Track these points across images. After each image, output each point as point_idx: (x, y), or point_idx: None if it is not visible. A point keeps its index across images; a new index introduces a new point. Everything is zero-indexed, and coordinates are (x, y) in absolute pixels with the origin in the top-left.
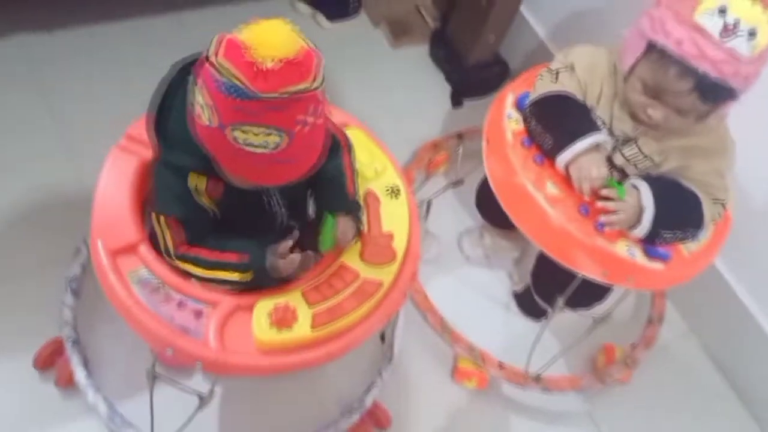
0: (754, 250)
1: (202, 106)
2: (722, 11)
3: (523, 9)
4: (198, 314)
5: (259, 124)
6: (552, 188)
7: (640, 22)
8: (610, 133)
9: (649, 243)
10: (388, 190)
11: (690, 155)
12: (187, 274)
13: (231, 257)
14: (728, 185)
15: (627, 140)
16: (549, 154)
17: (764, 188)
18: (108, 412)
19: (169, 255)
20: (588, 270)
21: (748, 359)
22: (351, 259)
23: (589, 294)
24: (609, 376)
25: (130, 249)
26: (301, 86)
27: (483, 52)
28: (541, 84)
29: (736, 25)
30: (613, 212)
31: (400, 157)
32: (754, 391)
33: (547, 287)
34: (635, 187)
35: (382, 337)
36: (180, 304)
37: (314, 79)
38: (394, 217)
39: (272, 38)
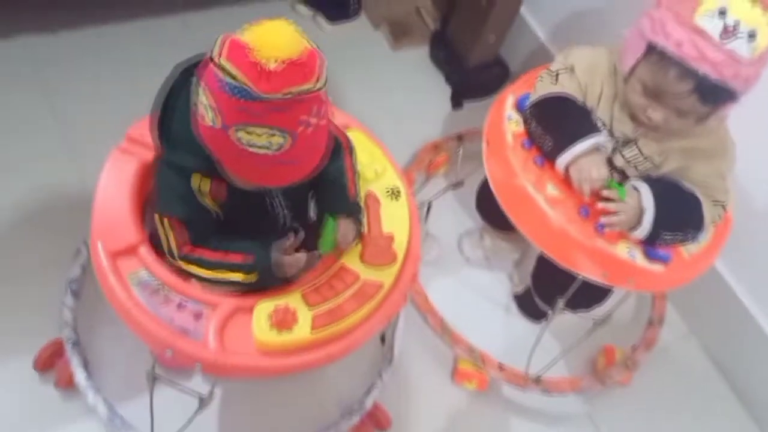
0: (755, 252)
1: (205, 107)
2: (722, 13)
3: (524, 10)
4: (198, 316)
5: (263, 125)
6: (552, 190)
7: (640, 23)
8: (611, 134)
9: (650, 244)
10: (388, 191)
11: (690, 157)
12: (190, 276)
13: (236, 258)
14: (728, 187)
15: (627, 141)
16: (549, 156)
17: (764, 190)
18: (108, 414)
19: (172, 256)
20: (588, 272)
21: (748, 361)
22: (351, 260)
23: (589, 296)
24: (609, 378)
25: (130, 251)
26: (305, 87)
27: (483, 53)
28: (541, 85)
29: (736, 26)
30: (614, 213)
31: (401, 158)
32: (755, 392)
33: (548, 289)
34: (636, 188)
35: (383, 339)
36: (180, 306)
37: (318, 80)
38: (394, 219)
39: (276, 39)
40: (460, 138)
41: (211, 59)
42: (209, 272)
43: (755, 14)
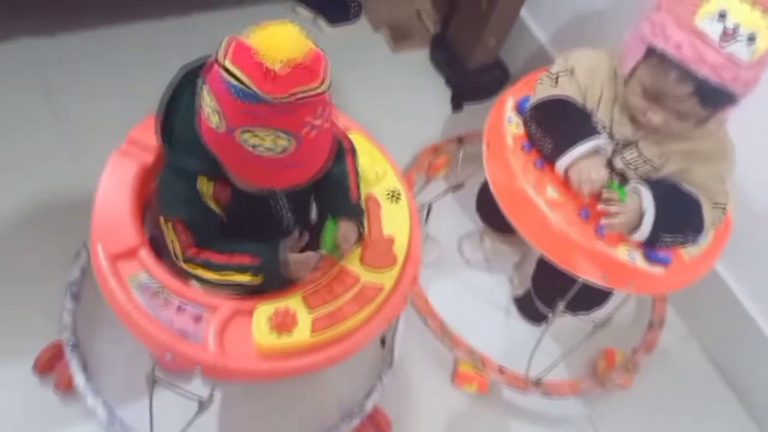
0: (755, 254)
1: (210, 109)
2: (722, 16)
3: (524, 13)
4: (197, 318)
5: (268, 127)
6: (552, 192)
7: (640, 26)
8: (611, 136)
9: (650, 247)
10: (388, 194)
11: (690, 159)
12: (194, 279)
13: (243, 259)
14: (728, 190)
15: (627, 144)
16: (549, 158)
17: (764, 192)
18: (107, 417)
19: (178, 259)
20: (588, 274)
21: (748, 362)
22: (351, 263)
23: (589, 298)
24: (609, 381)
25: (130, 253)
26: (310, 89)
27: (483, 56)
28: (541, 88)
29: (735, 30)
30: (614, 215)
31: (401, 161)
32: (755, 393)
33: (548, 291)
34: (636, 190)
35: (383, 342)
36: (179, 309)
37: (323, 82)
38: (394, 221)
39: (281, 41)
40: (460, 140)
41: (216, 61)
42: (215, 274)
43: (755, 17)
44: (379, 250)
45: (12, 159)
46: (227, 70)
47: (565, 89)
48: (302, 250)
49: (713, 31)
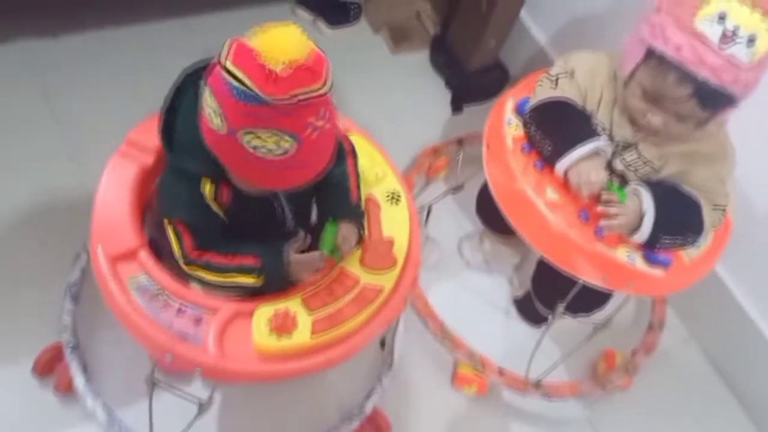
0: (755, 256)
1: (212, 111)
2: (722, 18)
3: (524, 15)
4: (197, 321)
5: (270, 129)
6: (552, 194)
7: (640, 28)
8: (610, 138)
9: (649, 248)
10: (388, 195)
11: (690, 161)
12: (197, 281)
13: (246, 261)
14: (728, 191)
15: (627, 146)
16: (549, 160)
17: (764, 194)
18: (107, 419)
19: (180, 261)
20: (588, 276)
21: (748, 364)
22: (351, 265)
23: (589, 300)
24: (609, 383)
25: (130, 255)
26: (312, 90)
27: (483, 57)
28: (540, 90)
29: (735, 31)
30: (614, 216)
31: (400, 162)
32: (755, 395)
33: (548, 293)
34: (636, 192)
35: (382, 343)
36: (179, 311)
37: (325, 83)
38: (394, 223)
39: (283, 43)
40: (460, 142)
41: (218, 63)
42: (218, 276)
43: (755, 19)
44: (379, 251)
45: (11, 161)
46: (229, 72)
47: (565, 91)
48: (304, 251)
49: (713, 33)
